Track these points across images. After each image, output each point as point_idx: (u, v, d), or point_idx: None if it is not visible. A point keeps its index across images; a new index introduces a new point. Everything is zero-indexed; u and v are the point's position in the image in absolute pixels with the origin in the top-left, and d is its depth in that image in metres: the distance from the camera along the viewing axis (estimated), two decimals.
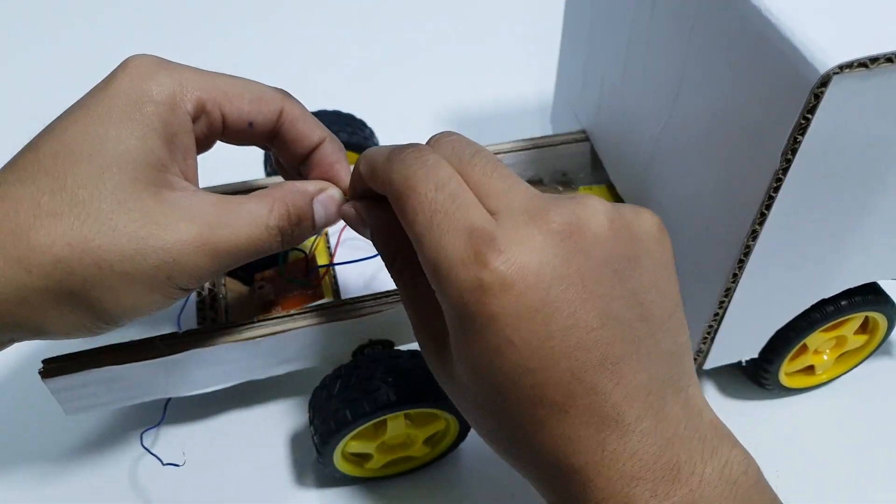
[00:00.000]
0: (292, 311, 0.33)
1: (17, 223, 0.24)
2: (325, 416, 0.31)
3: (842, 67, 0.22)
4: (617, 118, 0.38)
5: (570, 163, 0.43)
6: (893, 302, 0.35)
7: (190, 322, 0.35)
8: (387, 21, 0.65)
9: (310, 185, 0.30)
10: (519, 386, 0.22)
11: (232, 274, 0.37)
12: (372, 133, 0.46)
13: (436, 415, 0.33)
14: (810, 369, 0.38)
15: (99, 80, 0.27)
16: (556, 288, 0.22)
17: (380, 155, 0.26)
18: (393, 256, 0.27)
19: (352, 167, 0.32)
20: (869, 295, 0.34)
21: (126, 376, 0.32)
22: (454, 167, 0.24)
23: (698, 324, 0.33)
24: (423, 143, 0.26)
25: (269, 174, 0.45)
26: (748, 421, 0.38)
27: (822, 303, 0.33)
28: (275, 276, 0.36)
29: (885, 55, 0.22)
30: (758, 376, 0.37)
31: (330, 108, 0.44)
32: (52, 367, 0.31)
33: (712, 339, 0.33)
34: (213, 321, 0.35)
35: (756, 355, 0.36)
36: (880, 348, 0.39)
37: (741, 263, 0.29)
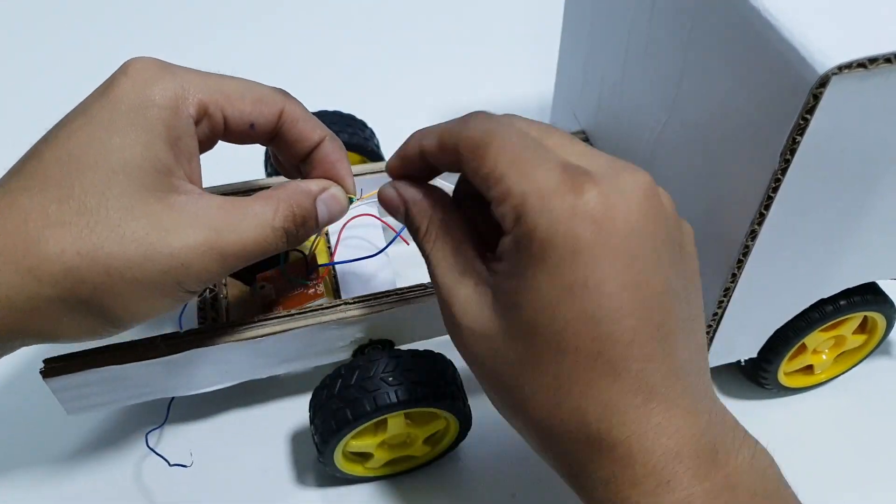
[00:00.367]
0: (293, 311, 0.33)
1: (27, 233, 0.24)
2: (326, 415, 0.31)
3: (841, 68, 0.22)
4: (616, 118, 0.38)
5: None
6: (892, 302, 0.35)
7: (191, 322, 0.35)
8: (387, 21, 0.65)
9: (313, 185, 0.30)
10: (580, 336, 0.22)
11: (233, 274, 0.37)
12: (372, 133, 0.46)
13: (436, 414, 0.33)
14: (809, 369, 0.38)
15: (98, 81, 0.27)
16: (637, 239, 0.22)
17: (444, 124, 0.26)
18: (427, 230, 0.27)
19: (352, 166, 0.32)
20: (868, 295, 0.34)
21: (127, 376, 0.32)
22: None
23: None
24: None
25: (269, 174, 0.45)
26: (747, 420, 0.38)
27: (821, 302, 0.33)
28: (276, 276, 0.36)
29: (884, 56, 0.22)
30: (757, 376, 0.37)
31: (330, 108, 0.44)
32: (54, 367, 0.31)
33: (711, 339, 0.33)
34: (214, 321, 0.35)
35: (755, 355, 0.36)
36: (879, 348, 0.39)
37: (740, 263, 0.29)
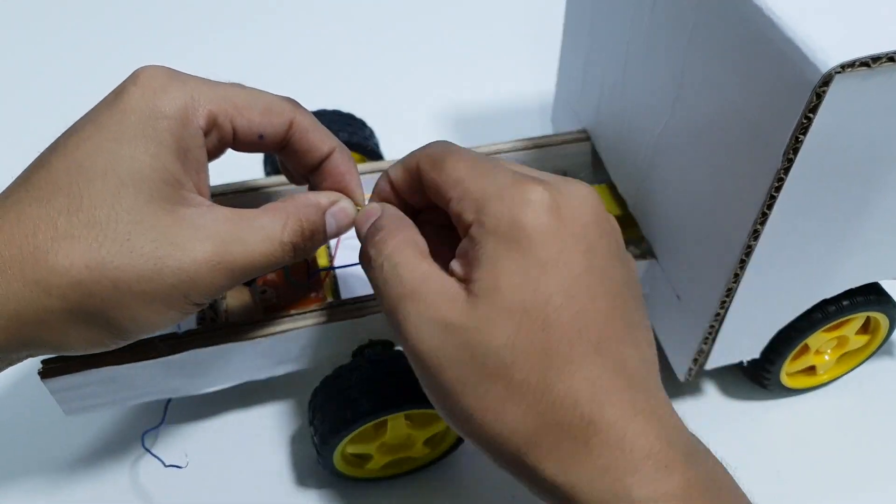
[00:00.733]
0: (292, 312, 0.33)
1: (36, 246, 0.24)
2: (325, 416, 0.31)
3: (844, 67, 0.22)
4: (618, 117, 0.38)
5: (570, 162, 0.43)
6: (895, 302, 0.35)
7: (190, 322, 0.35)
8: (387, 20, 0.65)
9: (322, 198, 0.29)
10: (562, 311, 0.23)
11: None
12: (372, 133, 0.46)
13: (436, 416, 0.33)
14: (811, 370, 0.38)
15: (101, 83, 0.27)
16: (593, 232, 0.24)
17: (409, 156, 0.28)
18: (388, 229, 0.27)
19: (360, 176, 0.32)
20: (871, 295, 0.34)
21: (126, 377, 0.31)
22: None
23: (700, 324, 0.33)
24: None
25: (268, 173, 0.45)
26: (749, 421, 0.38)
27: (825, 302, 0.33)
28: (277, 280, 0.35)
29: (886, 54, 0.22)
30: (759, 376, 0.37)
31: (330, 107, 0.44)
32: (52, 368, 0.30)
33: (714, 340, 0.33)
34: (213, 322, 0.35)
35: (757, 356, 0.36)
36: (881, 349, 0.39)
37: (743, 263, 0.29)
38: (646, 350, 0.25)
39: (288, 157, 0.30)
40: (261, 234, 0.27)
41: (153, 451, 0.34)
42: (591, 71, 0.40)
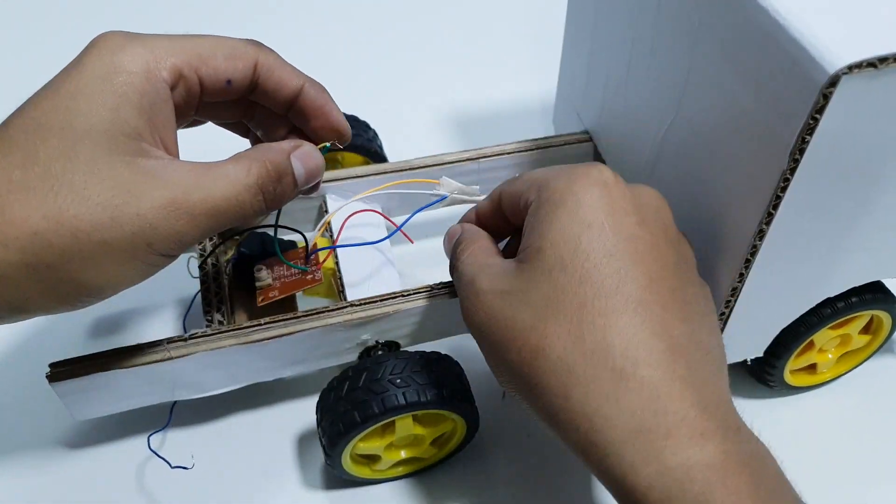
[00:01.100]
0: (299, 313, 0.33)
1: None
2: (334, 418, 0.31)
3: (851, 67, 0.22)
4: (621, 119, 0.38)
5: (573, 163, 0.43)
6: None
7: (196, 325, 0.35)
8: (390, 22, 0.65)
9: (284, 143, 0.30)
10: (600, 269, 0.24)
11: (239, 280, 0.37)
12: (376, 135, 0.46)
13: (443, 416, 0.33)
14: (813, 368, 0.39)
15: None
16: (649, 211, 0.27)
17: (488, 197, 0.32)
18: (465, 240, 0.31)
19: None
20: (878, 293, 0.34)
21: (133, 379, 0.32)
22: None
23: None
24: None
25: None
26: (751, 419, 0.38)
27: (833, 299, 0.33)
28: (274, 262, 0.36)
29: (894, 55, 0.22)
30: (763, 373, 0.37)
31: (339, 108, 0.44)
32: (60, 371, 0.31)
33: None
34: (220, 324, 0.35)
35: (761, 354, 0.36)
36: (883, 347, 0.39)
37: (748, 263, 0.29)
38: (699, 330, 0.25)
39: (260, 98, 0.30)
40: (223, 180, 0.27)
41: (159, 453, 0.34)
42: (593, 72, 0.41)
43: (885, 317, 0.36)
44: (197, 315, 0.37)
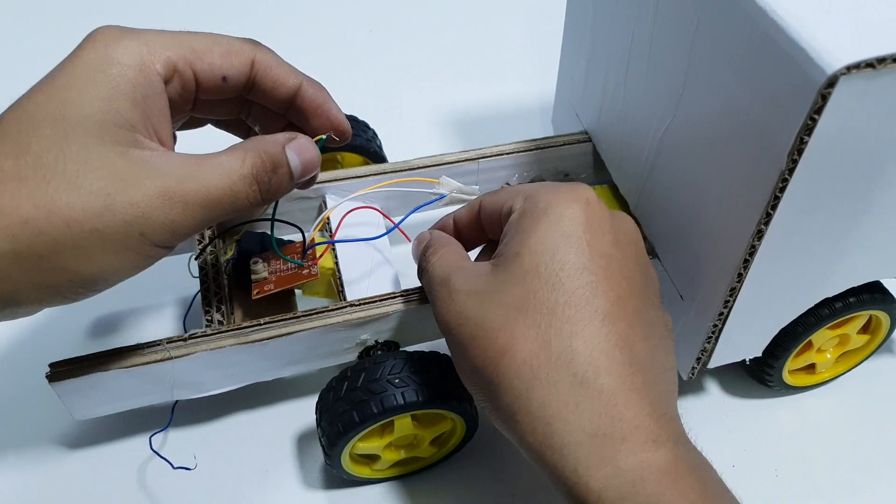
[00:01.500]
0: (298, 313, 0.33)
1: None
2: (333, 418, 0.31)
3: (849, 68, 0.22)
4: (620, 119, 0.38)
5: (572, 163, 0.43)
6: None
7: (196, 324, 0.35)
8: (389, 23, 0.65)
9: (280, 135, 0.30)
10: (574, 279, 0.25)
11: (238, 279, 0.37)
12: (375, 135, 0.46)
13: (442, 415, 0.33)
14: (811, 367, 0.39)
15: None
16: (624, 235, 0.28)
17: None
18: (435, 244, 0.31)
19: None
20: (876, 293, 0.34)
21: (133, 379, 0.32)
22: None
23: (703, 323, 0.33)
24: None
25: None
26: (749, 419, 0.39)
27: (831, 299, 0.33)
28: (271, 255, 0.36)
29: (892, 56, 0.22)
30: (761, 373, 0.37)
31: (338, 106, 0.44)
32: (60, 371, 0.31)
33: (717, 339, 0.34)
34: (220, 324, 0.35)
35: (759, 354, 0.36)
36: (882, 347, 0.39)
37: (746, 263, 0.29)
38: (658, 350, 0.26)
39: (257, 97, 0.30)
40: (218, 170, 0.26)
41: (161, 453, 0.34)
42: (592, 72, 0.41)
43: (883, 317, 0.36)
44: (197, 315, 0.37)
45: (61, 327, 0.41)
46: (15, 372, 0.40)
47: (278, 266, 0.36)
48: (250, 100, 0.31)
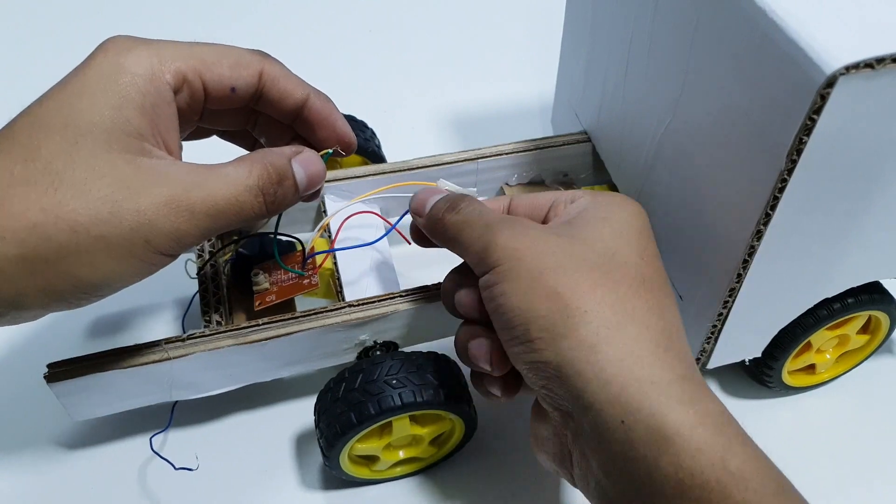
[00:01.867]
0: (297, 314, 0.33)
1: None
2: (331, 419, 0.31)
3: (848, 68, 0.22)
4: (619, 119, 0.38)
5: (571, 163, 0.43)
6: None
7: (194, 325, 0.35)
8: (388, 22, 0.65)
9: (286, 148, 0.30)
10: (648, 265, 0.27)
11: (237, 277, 0.37)
12: (373, 134, 0.46)
13: (441, 416, 0.33)
14: (811, 368, 0.39)
15: None
16: (651, 232, 0.30)
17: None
18: (457, 201, 0.31)
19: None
20: (875, 294, 0.34)
21: (131, 380, 0.32)
22: None
23: (702, 323, 0.33)
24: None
25: None
26: (749, 419, 0.38)
27: (829, 300, 0.33)
28: (271, 266, 0.36)
29: (891, 56, 0.22)
30: (761, 374, 0.37)
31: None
32: (58, 372, 0.31)
33: (716, 339, 0.34)
34: (218, 324, 0.35)
35: (759, 355, 0.36)
36: (882, 347, 0.39)
37: (745, 263, 0.29)
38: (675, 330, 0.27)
39: (265, 108, 0.31)
40: (224, 180, 0.27)
41: (161, 454, 0.34)
42: (591, 72, 0.41)
43: (882, 317, 0.36)
44: (195, 315, 0.37)
45: (60, 328, 0.41)
46: (13, 372, 0.39)
47: (279, 276, 0.36)
48: (257, 111, 0.31)
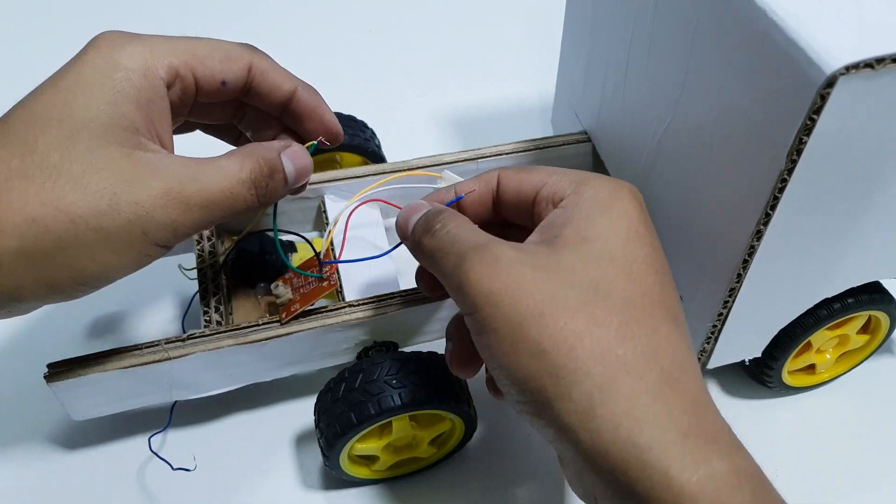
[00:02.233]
0: (297, 314, 0.33)
1: None
2: (331, 419, 0.31)
3: (848, 68, 0.22)
4: (619, 119, 0.38)
5: (571, 164, 0.43)
6: None
7: (194, 325, 0.35)
8: (388, 22, 0.65)
9: (275, 143, 0.30)
10: (646, 273, 0.25)
11: (236, 277, 0.37)
12: (373, 134, 0.46)
13: (441, 416, 0.33)
14: (811, 368, 0.39)
15: None
16: (651, 225, 0.28)
17: (483, 173, 0.30)
18: (441, 216, 0.28)
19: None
20: (875, 294, 0.34)
21: (131, 380, 0.32)
22: None
23: (702, 324, 0.33)
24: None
25: None
26: (749, 419, 0.39)
27: (829, 300, 0.33)
28: (290, 278, 0.36)
29: (891, 56, 0.22)
30: (761, 374, 0.37)
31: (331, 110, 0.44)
32: (58, 372, 0.31)
33: (716, 339, 0.34)
34: (218, 324, 0.35)
35: (759, 355, 0.36)
36: (882, 347, 0.39)
37: (745, 263, 0.29)
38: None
39: (253, 101, 0.31)
40: (218, 173, 0.27)
41: (160, 454, 0.34)
42: (591, 72, 0.41)
43: (882, 317, 0.36)
44: (195, 315, 0.37)
45: (60, 327, 0.41)
46: (13, 372, 0.39)
47: (298, 283, 0.36)
48: (245, 104, 0.32)
